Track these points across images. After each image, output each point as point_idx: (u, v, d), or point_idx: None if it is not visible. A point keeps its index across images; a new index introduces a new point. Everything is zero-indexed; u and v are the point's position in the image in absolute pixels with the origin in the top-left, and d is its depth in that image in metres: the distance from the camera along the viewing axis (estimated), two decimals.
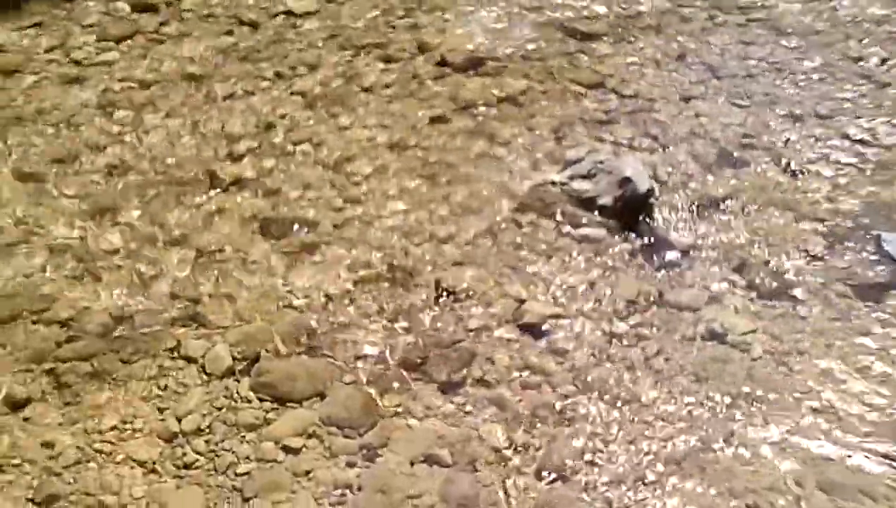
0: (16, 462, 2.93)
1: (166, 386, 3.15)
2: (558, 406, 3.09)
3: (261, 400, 3.11)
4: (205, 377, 3.19)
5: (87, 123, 4.36)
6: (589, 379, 3.18)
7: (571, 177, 3.87)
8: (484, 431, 3.01)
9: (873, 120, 4.30)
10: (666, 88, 4.52)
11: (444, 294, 3.48)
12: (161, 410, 3.07)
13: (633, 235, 3.70)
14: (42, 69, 4.75)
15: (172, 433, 3.00)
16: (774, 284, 3.51)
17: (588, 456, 2.94)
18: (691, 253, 3.64)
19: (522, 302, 3.44)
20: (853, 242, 3.68)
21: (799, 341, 3.30)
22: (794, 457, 2.92)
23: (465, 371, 3.21)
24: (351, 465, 2.91)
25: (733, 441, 2.97)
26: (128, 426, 3.02)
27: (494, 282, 3.52)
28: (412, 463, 2.91)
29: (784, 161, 4.08)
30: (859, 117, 4.33)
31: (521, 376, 3.19)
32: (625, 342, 3.31)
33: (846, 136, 4.22)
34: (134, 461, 2.92)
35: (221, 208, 3.87)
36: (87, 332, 3.32)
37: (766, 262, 3.60)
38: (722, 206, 3.84)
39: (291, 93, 4.53)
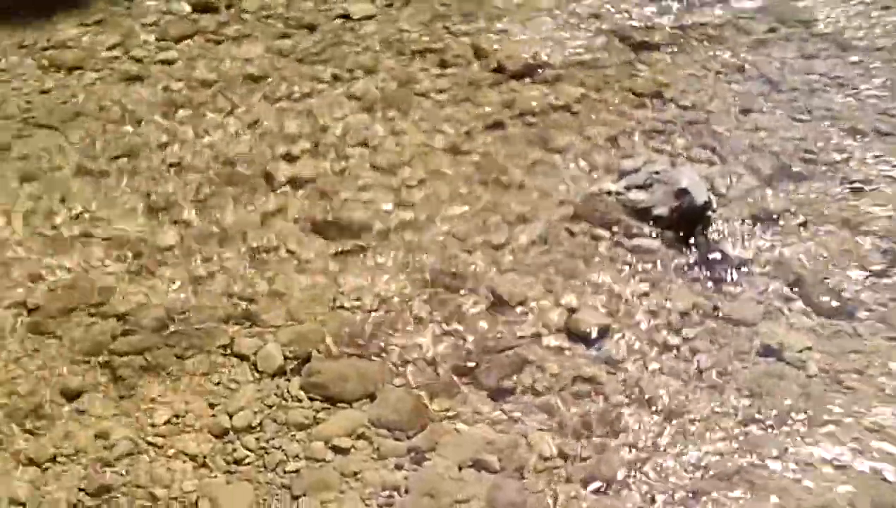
0: (69, 452, 2.98)
1: (219, 383, 3.18)
2: (608, 416, 3.07)
3: (311, 399, 3.13)
4: (256, 375, 3.21)
5: (147, 121, 4.41)
6: (640, 390, 3.15)
7: (627, 187, 3.85)
8: (533, 438, 3.00)
9: None
10: (725, 100, 4.46)
11: (496, 300, 3.47)
12: (213, 406, 3.10)
13: (689, 247, 3.66)
14: (104, 66, 4.82)
15: (224, 429, 3.03)
16: (832, 301, 3.45)
17: (637, 468, 2.91)
18: (748, 267, 3.59)
19: (575, 310, 3.42)
20: None
21: (855, 360, 3.24)
22: (847, 477, 2.86)
23: (515, 378, 3.20)
24: (399, 467, 2.92)
25: (786, 459, 2.92)
26: (180, 420, 3.06)
27: (547, 290, 3.51)
28: (460, 468, 2.91)
29: (844, 177, 4.01)
30: None
31: (571, 385, 3.17)
32: (678, 354, 3.27)
33: None
34: (185, 455, 2.95)
35: (277, 208, 3.90)
36: (143, 327, 3.37)
37: (824, 279, 3.53)
38: (780, 221, 3.78)
39: (348, 96, 4.55)
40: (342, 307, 3.47)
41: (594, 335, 3.33)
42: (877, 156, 4.12)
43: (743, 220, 3.79)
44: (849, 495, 2.81)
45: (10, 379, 3.20)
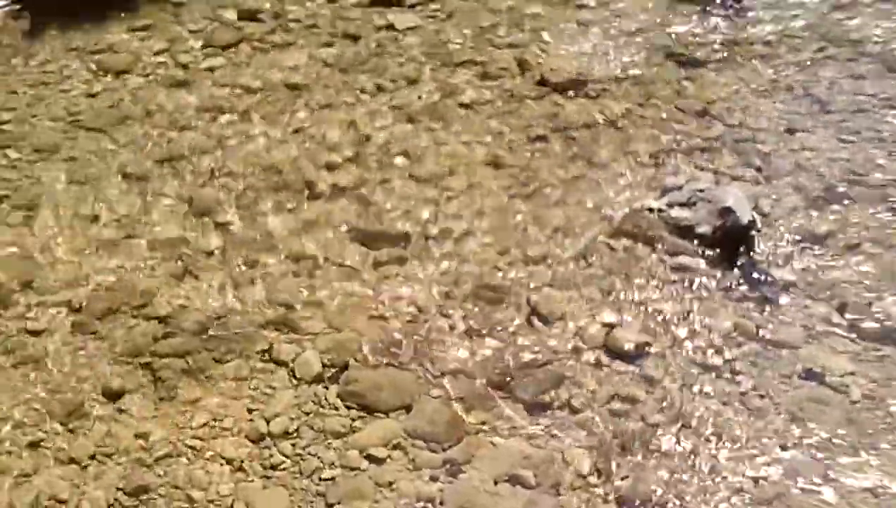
0: (109, 451, 3.01)
1: (257, 388, 3.20)
2: (646, 435, 3.04)
3: (348, 407, 3.13)
4: (294, 381, 3.23)
5: (191, 127, 4.47)
6: (679, 410, 3.12)
7: (670, 205, 3.82)
8: (569, 455, 2.98)
9: None
10: (771, 119, 4.42)
11: (535, 314, 3.46)
12: (251, 411, 3.12)
13: (732, 267, 3.62)
14: (150, 71, 4.90)
15: (261, 434, 3.04)
16: (876, 326, 3.40)
17: (674, 489, 2.87)
18: (792, 289, 3.54)
19: (614, 327, 3.40)
20: None
21: None
22: (891, 506, 2.80)
23: (552, 393, 3.18)
24: (434, 479, 2.91)
25: (826, 485, 2.87)
26: (218, 424, 3.08)
27: (586, 306, 3.49)
28: (495, 482, 2.89)
29: (891, 199, 3.95)
30: None
31: (609, 402, 3.15)
32: (719, 375, 3.24)
33: None
34: (223, 458, 2.97)
35: (317, 216, 3.92)
36: (184, 330, 3.40)
37: (869, 304, 3.48)
38: (825, 243, 3.74)
39: (390, 106, 4.57)
40: (380, 316, 3.48)
41: (633, 352, 3.30)
42: None
43: (787, 241, 3.74)
44: None
45: (54, 378, 3.25)
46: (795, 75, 4.73)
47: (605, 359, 3.30)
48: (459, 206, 3.96)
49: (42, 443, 3.03)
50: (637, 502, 2.84)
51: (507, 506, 2.82)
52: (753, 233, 3.70)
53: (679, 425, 3.07)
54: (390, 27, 5.19)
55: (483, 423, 3.09)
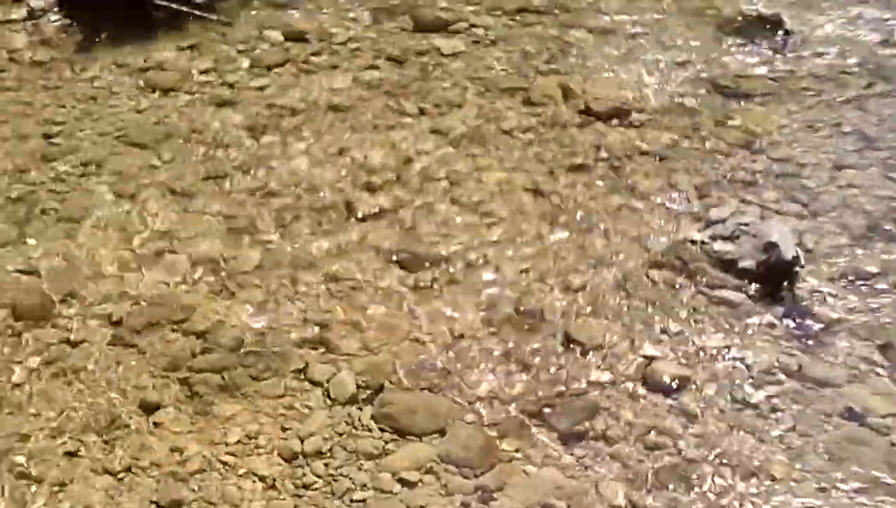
0: (143, 464, 3.02)
1: (291, 406, 3.20)
2: (682, 470, 2.99)
3: (381, 430, 3.12)
4: (328, 401, 3.22)
5: (235, 145, 4.51)
6: (717, 446, 3.07)
7: (713, 237, 3.78)
8: (603, 487, 2.94)
9: None
10: (818, 154, 4.36)
11: (572, 343, 3.43)
12: (285, 429, 3.12)
13: (775, 303, 3.57)
14: (197, 90, 4.96)
15: (294, 452, 3.04)
16: None
17: None
18: (835, 327, 3.48)
19: (652, 359, 3.36)
20: None
21: None
22: None
23: (587, 423, 3.14)
24: (466, 505, 2.88)
25: None
26: (252, 441, 3.08)
27: (625, 337, 3.46)
28: None
29: None
30: None
31: (645, 435, 3.10)
32: (758, 412, 3.18)
33: None
34: (255, 475, 2.97)
35: (357, 237, 3.93)
36: (221, 346, 3.42)
37: None
38: (871, 281, 3.67)
39: (432, 131, 4.58)
40: (417, 340, 3.47)
41: (672, 386, 3.26)
42: None
43: (832, 278, 3.69)
44: None
45: (92, 389, 3.27)
46: (843, 111, 4.68)
47: (642, 391, 3.26)
48: (499, 232, 3.95)
49: (78, 453, 3.05)
50: None
51: None
52: (797, 268, 3.65)
53: (716, 461, 3.02)
54: (435, 51, 5.22)
55: (517, 451, 3.06)
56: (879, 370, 3.33)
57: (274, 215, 4.06)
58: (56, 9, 5.56)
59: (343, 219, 4.04)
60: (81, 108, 4.80)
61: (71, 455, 3.05)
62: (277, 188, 4.21)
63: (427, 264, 3.80)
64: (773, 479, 2.96)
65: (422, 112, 4.73)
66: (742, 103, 4.75)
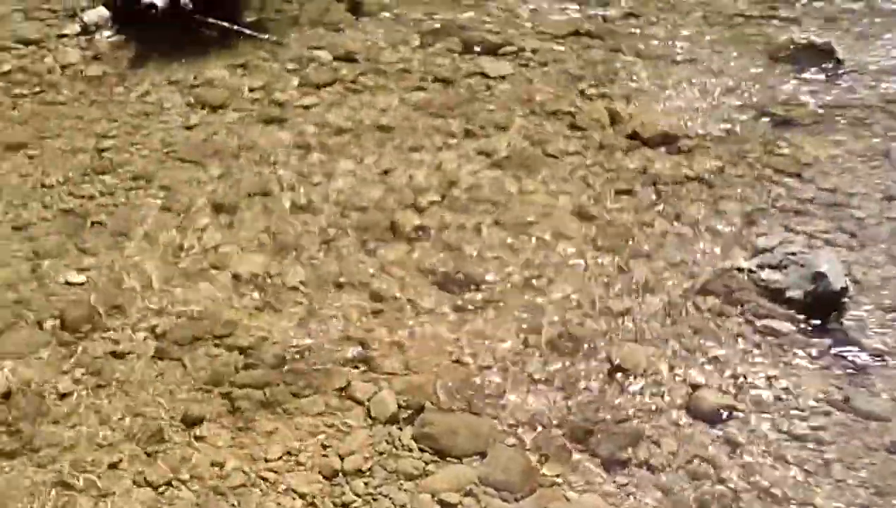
0: (184, 477, 3.04)
1: (332, 424, 3.20)
2: (726, 501, 2.95)
3: (421, 450, 3.11)
4: (369, 420, 3.22)
5: (282, 163, 4.54)
6: (761, 477, 3.02)
7: (760, 266, 3.74)
8: None
9: None
10: (868, 184, 4.30)
11: (616, 369, 3.40)
12: (325, 447, 3.12)
13: (822, 334, 3.52)
14: (245, 107, 5.00)
15: (334, 470, 3.04)
16: None
17: None
18: (884, 359, 3.42)
19: (697, 387, 3.32)
20: None
21: None
22: None
23: (630, 450, 3.11)
24: None
25: None
26: (293, 458, 3.09)
27: (669, 364, 3.42)
28: None
29: None
30: None
31: (688, 464, 3.07)
32: (803, 444, 3.13)
33: None
34: (295, 492, 2.98)
35: (400, 257, 3.94)
36: (264, 362, 3.44)
37: None
38: None
39: (478, 152, 4.58)
40: (458, 361, 3.46)
41: (716, 415, 3.22)
42: None
43: (880, 310, 3.62)
44: None
45: (135, 401, 3.30)
46: (892, 141, 4.61)
47: (686, 420, 3.22)
48: (543, 255, 3.93)
49: (120, 465, 3.07)
50: None
51: None
52: (845, 299, 3.60)
53: (760, 493, 2.97)
54: (482, 74, 5.23)
55: (558, 476, 3.03)
56: None
57: (319, 233, 4.08)
58: (109, 25, 5.66)
59: (387, 238, 4.05)
60: (132, 123, 4.86)
61: (114, 466, 3.07)
62: (322, 206, 4.24)
63: (470, 285, 3.79)
64: None
65: (468, 133, 4.73)
66: (791, 131, 4.69)
